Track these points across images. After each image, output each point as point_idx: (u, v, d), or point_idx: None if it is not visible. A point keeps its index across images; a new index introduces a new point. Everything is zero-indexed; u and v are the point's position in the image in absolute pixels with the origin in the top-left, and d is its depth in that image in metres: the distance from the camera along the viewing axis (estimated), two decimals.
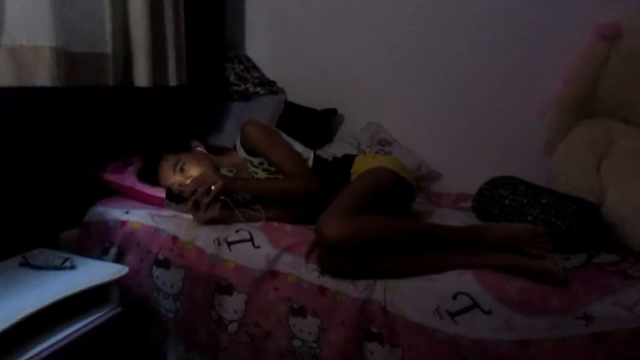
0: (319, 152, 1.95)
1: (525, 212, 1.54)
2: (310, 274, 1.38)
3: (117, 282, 1.37)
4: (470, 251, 1.38)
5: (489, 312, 1.20)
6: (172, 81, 1.90)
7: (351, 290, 1.33)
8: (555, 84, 1.81)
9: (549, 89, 1.84)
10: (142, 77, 1.75)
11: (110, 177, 1.77)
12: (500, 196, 1.65)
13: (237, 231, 1.50)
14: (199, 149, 1.75)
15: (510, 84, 2.06)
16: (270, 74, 2.48)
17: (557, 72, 1.82)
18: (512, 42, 2.03)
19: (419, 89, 2.24)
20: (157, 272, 1.52)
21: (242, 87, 2.36)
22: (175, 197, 1.52)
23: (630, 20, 1.62)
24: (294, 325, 1.36)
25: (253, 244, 1.46)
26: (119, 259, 1.58)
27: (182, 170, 1.65)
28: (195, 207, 1.52)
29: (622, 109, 1.65)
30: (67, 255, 1.43)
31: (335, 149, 2.17)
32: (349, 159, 1.76)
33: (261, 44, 2.52)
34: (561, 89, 1.74)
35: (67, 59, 1.49)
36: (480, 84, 2.12)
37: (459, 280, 1.28)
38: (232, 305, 1.43)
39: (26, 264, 1.37)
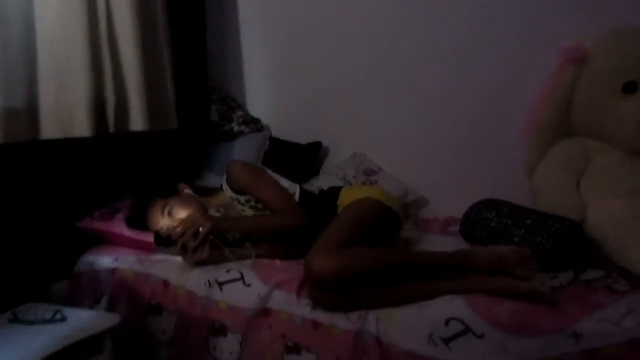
0: (305, 186, 1.97)
1: (511, 233, 1.56)
2: (302, 309, 1.38)
3: (109, 332, 1.36)
4: (459, 276, 1.38)
5: (481, 336, 1.20)
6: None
7: (344, 322, 1.33)
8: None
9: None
10: (137, 122, 1.80)
11: (98, 225, 1.77)
12: (485, 219, 1.67)
13: (227, 271, 1.50)
14: (186, 191, 1.76)
15: (491, 109, 2.09)
16: (254, 112, 2.52)
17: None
18: (493, 67, 2.07)
19: (402, 119, 2.28)
20: (150, 318, 1.52)
21: (227, 126, 2.40)
22: (163, 241, 1.54)
23: (594, 42, 1.68)
24: None
25: (244, 283, 1.46)
26: (111, 307, 1.57)
27: (170, 213, 1.66)
28: (184, 250, 1.53)
29: (594, 127, 1.69)
30: (57, 307, 1.42)
31: (321, 182, 2.19)
32: (335, 191, 1.78)
33: (243, 83, 2.57)
34: (536, 113, 1.78)
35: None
36: (461, 110, 2.16)
37: (449, 306, 1.28)
38: (228, 347, 1.43)
39: (15, 320, 1.36)
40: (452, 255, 1.45)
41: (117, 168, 1.96)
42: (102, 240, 1.79)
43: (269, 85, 2.51)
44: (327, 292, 1.32)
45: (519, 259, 1.38)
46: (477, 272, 1.39)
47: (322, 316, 1.35)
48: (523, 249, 1.40)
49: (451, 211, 2.10)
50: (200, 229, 1.51)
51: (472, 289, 1.32)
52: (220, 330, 1.44)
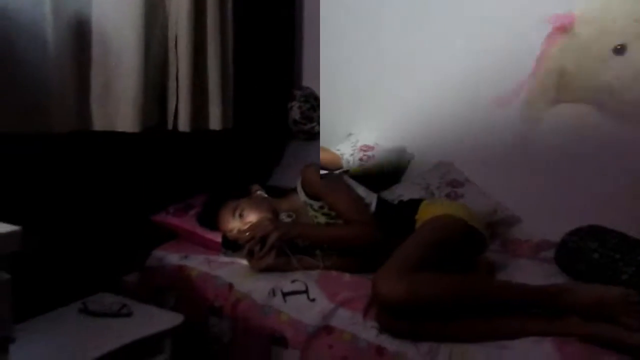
0: (385, 193, 1.90)
1: (619, 269, 1.37)
2: (367, 332, 1.30)
3: (170, 332, 1.37)
4: (550, 316, 1.24)
5: None
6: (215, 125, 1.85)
7: (413, 353, 1.23)
8: None
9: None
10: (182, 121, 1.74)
11: (172, 220, 1.80)
12: (587, 249, 1.47)
13: (292, 282, 1.46)
14: (258, 192, 1.74)
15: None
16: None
17: None
18: None
19: (493, 126, 2.10)
20: (212, 320, 1.51)
21: (308, 126, 2.37)
22: (231, 245, 1.56)
23: (581, 9, 1.72)
24: None
25: (308, 297, 1.41)
26: (176, 304, 1.58)
27: (240, 216, 1.64)
28: (251, 255, 1.53)
29: (588, 94, 1.75)
30: (125, 301, 1.46)
31: (402, 190, 2.08)
32: (414, 204, 1.67)
33: (333, 82, 2.51)
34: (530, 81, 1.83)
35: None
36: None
37: (536, 350, 1.15)
38: (289, 359, 1.38)
39: (84, 311, 1.41)
40: (544, 290, 1.29)
41: (193, 164, 1.99)
42: (175, 236, 1.81)
43: (356, 87, 2.43)
44: (394, 317, 1.24)
45: (626, 303, 1.20)
46: (573, 314, 1.23)
47: (388, 342, 1.26)
48: (633, 293, 1.22)
49: (546, 233, 1.88)
50: (268, 236, 1.49)
51: (565, 332, 1.19)
52: (282, 341, 1.39)
